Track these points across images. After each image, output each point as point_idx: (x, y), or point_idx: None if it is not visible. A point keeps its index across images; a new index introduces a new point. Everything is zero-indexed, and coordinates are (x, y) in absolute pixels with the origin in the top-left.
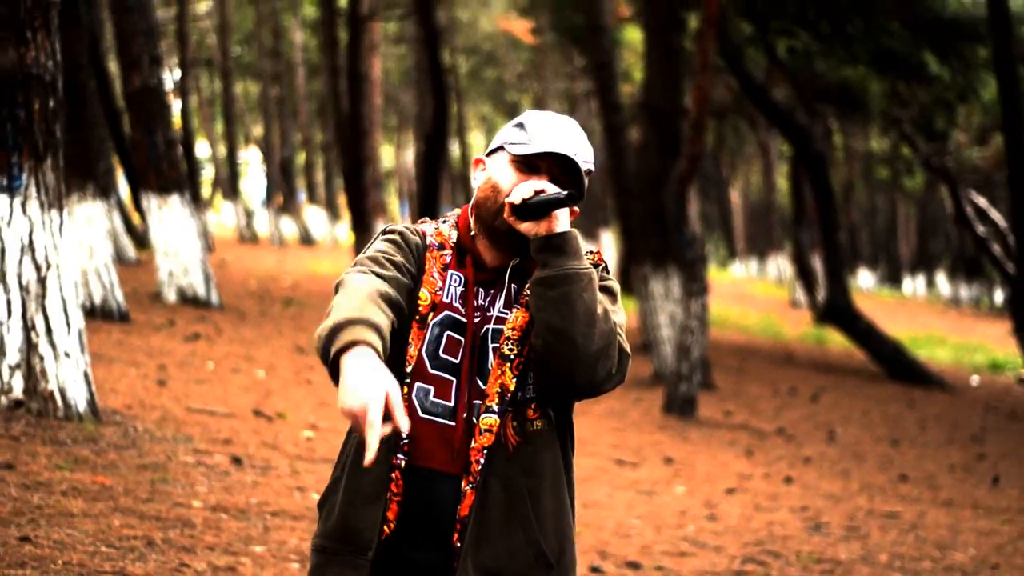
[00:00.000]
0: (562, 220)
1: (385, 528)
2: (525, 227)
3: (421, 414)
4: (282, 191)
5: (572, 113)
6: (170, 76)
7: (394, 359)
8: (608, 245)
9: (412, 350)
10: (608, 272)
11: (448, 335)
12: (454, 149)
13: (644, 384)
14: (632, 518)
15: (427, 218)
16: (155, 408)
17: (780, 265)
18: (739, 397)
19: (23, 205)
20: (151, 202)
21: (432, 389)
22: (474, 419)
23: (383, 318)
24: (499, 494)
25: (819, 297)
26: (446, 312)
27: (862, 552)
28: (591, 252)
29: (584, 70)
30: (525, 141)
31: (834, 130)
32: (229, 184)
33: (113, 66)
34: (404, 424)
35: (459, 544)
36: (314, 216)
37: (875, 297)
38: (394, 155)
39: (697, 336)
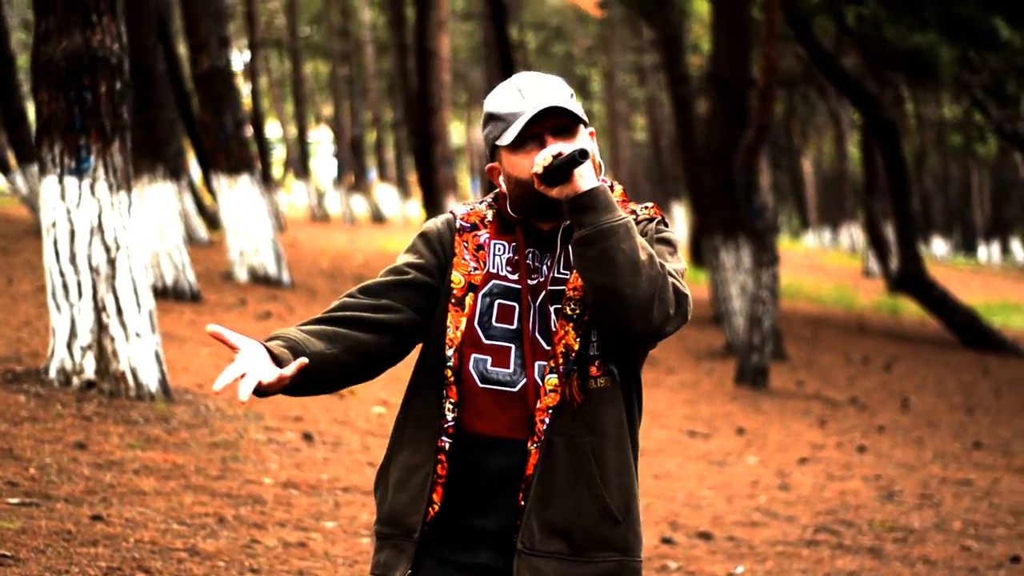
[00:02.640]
0: (586, 178)
1: (430, 510)
2: (555, 192)
3: (481, 384)
4: (353, 170)
5: (642, 85)
6: (240, 57)
7: (432, 346)
8: (679, 217)
9: (452, 332)
10: (666, 224)
11: (499, 303)
12: None
13: (716, 355)
14: (704, 489)
15: (469, 201)
16: (226, 387)
17: (853, 235)
18: (812, 367)
19: (92, 187)
20: (221, 182)
21: (490, 359)
22: (539, 380)
23: (310, 341)
24: (564, 452)
25: (892, 266)
26: (494, 282)
27: (935, 520)
28: (647, 207)
29: (652, 43)
30: (505, 127)
31: (905, 97)
32: (300, 164)
33: (182, 48)
34: (242, 393)
35: (523, 503)
36: (385, 194)
37: (949, 265)
38: (464, 132)
39: (768, 306)
